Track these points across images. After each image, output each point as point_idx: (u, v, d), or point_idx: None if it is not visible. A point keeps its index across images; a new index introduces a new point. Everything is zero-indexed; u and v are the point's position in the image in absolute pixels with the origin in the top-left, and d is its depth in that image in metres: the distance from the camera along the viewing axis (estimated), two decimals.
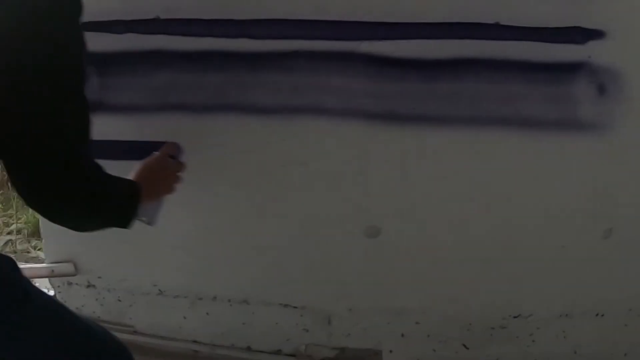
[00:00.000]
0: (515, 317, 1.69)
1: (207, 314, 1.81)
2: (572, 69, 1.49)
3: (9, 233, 2.95)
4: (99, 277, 1.85)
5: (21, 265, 1.17)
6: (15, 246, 2.85)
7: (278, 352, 1.83)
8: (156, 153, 1.43)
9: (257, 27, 1.55)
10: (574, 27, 1.47)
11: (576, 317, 1.67)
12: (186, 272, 1.78)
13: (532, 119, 1.52)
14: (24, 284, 1.12)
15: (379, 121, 1.56)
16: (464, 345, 1.74)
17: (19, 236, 2.92)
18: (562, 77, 1.50)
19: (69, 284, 1.88)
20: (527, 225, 1.59)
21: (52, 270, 1.85)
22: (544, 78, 1.51)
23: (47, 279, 1.93)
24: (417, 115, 1.54)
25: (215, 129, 1.61)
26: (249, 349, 1.83)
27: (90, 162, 1.12)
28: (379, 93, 1.54)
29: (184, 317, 1.84)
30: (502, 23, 1.49)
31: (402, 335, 1.73)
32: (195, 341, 1.85)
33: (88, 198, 1.09)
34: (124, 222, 1.19)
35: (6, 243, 2.88)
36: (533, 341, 1.71)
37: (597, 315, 1.67)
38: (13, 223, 3.00)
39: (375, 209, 1.62)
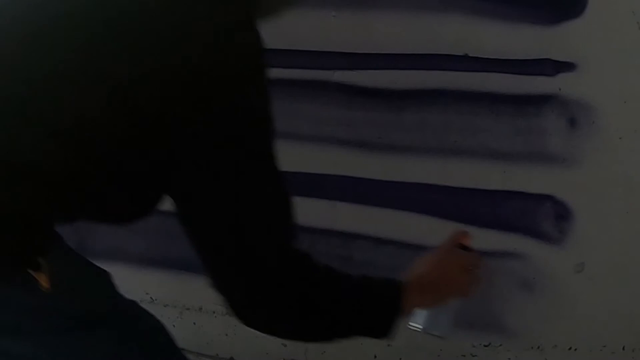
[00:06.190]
0: (485, 345, 1.69)
1: (194, 323, 1.91)
2: (541, 101, 1.50)
3: None
4: None
5: None
6: None
7: None
8: (443, 244, 1.08)
9: None
10: (544, 59, 1.48)
11: (547, 350, 1.65)
12: (175, 283, 1.89)
13: (499, 150, 1.54)
14: None
15: (350, 148, 1.61)
16: None
17: None
18: (531, 109, 1.51)
19: None
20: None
21: None
22: (512, 110, 1.52)
23: None
24: (384, 144, 1.58)
25: None
26: (231, 359, 1.91)
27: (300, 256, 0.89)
28: (349, 121, 1.60)
29: (174, 326, 1.93)
30: (470, 55, 1.52)
31: (375, 356, 1.77)
32: (183, 349, 1.94)
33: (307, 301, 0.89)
34: (377, 333, 0.95)
35: None
36: None
37: (569, 349, 1.65)
38: None
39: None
